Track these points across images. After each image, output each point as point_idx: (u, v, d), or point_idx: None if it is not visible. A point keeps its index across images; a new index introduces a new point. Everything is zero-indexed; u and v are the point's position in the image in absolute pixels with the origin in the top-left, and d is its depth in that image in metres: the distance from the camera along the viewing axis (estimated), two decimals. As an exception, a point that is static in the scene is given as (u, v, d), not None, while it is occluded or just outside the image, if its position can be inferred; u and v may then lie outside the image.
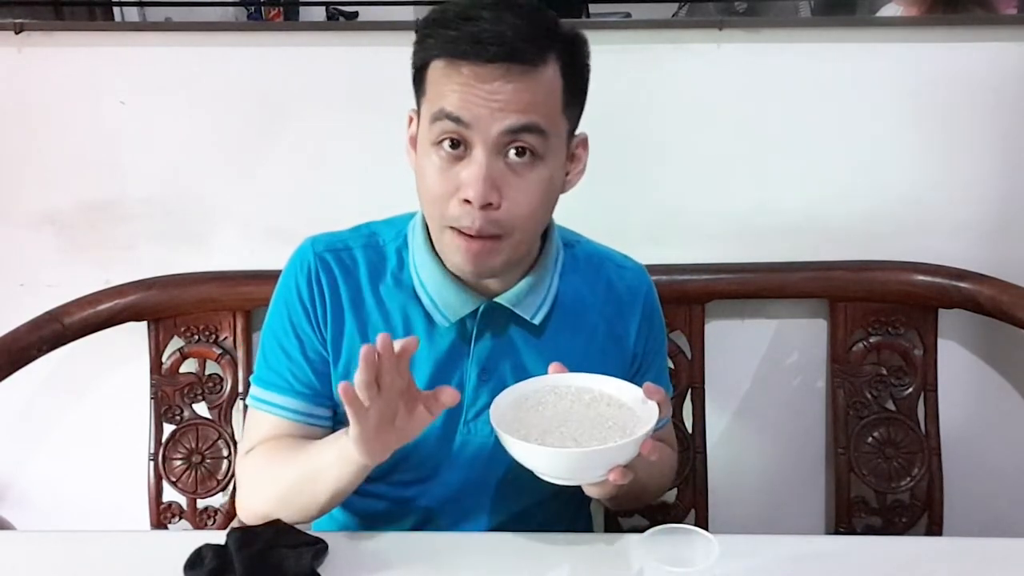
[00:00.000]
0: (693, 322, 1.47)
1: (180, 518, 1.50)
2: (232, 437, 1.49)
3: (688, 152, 1.48)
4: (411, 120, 1.02)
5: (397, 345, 0.85)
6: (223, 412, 1.49)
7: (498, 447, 0.90)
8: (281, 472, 1.02)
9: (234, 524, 1.05)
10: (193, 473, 1.49)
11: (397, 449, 0.93)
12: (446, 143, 0.95)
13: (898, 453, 1.49)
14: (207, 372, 1.50)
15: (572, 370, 0.97)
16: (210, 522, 1.51)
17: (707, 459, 1.48)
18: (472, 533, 1.08)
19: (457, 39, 0.92)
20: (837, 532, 1.51)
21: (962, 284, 1.43)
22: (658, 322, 1.16)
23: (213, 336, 1.48)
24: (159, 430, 1.49)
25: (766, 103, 1.46)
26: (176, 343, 1.49)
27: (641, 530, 0.89)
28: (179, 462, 1.49)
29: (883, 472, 1.49)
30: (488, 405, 0.93)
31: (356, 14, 1.53)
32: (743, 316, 1.55)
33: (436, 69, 0.95)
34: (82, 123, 1.47)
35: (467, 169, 0.94)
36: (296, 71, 1.46)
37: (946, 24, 1.45)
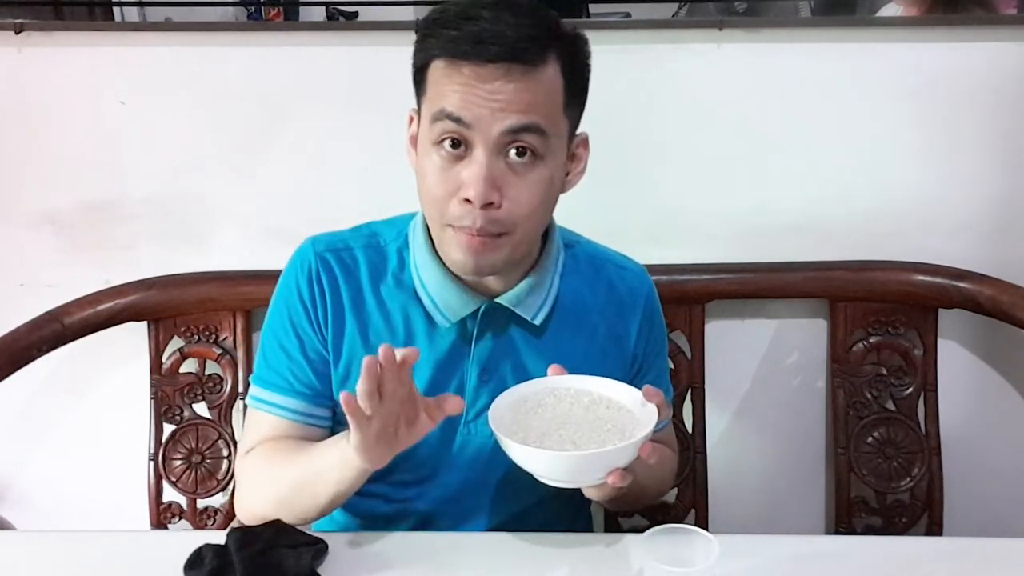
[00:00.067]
0: (693, 322, 1.47)
1: (180, 518, 1.50)
2: (232, 437, 1.49)
3: (688, 152, 1.48)
4: (411, 120, 1.02)
5: (398, 354, 0.85)
6: (223, 412, 1.49)
7: (498, 448, 0.90)
8: (281, 473, 1.02)
9: (234, 524, 1.05)
10: (193, 473, 1.49)
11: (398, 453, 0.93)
12: (447, 143, 0.94)
13: (898, 453, 1.49)
14: (207, 372, 1.50)
15: (572, 371, 0.97)
16: (210, 522, 1.51)
17: (707, 459, 1.48)
18: (472, 533, 1.08)
19: (458, 39, 0.92)
20: (837, 532, 1.51)
21: (962, 284, 1.43)
22: (659, 323, 1.16)
23: (213, 336, 1.48)
24: (159, 430, 1.49)
25: (766, 103, 1.46)
26: (176, 343, 1.49)
27: (641, 530, 0.89)
28: (179, 462, 1.49)
29: (883, 472, 1.49)
30: (489, 406, 0.93)
31: (356, 14, 1.53)
32: (743, 316, 1.55)
33: (437, 69, 0.95)
34: (82, 123, 1.47)
35: (468, 169, 0.94)
36: (296, 71, 1.46)
37: (946, 24, 1.45)
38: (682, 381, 1.47)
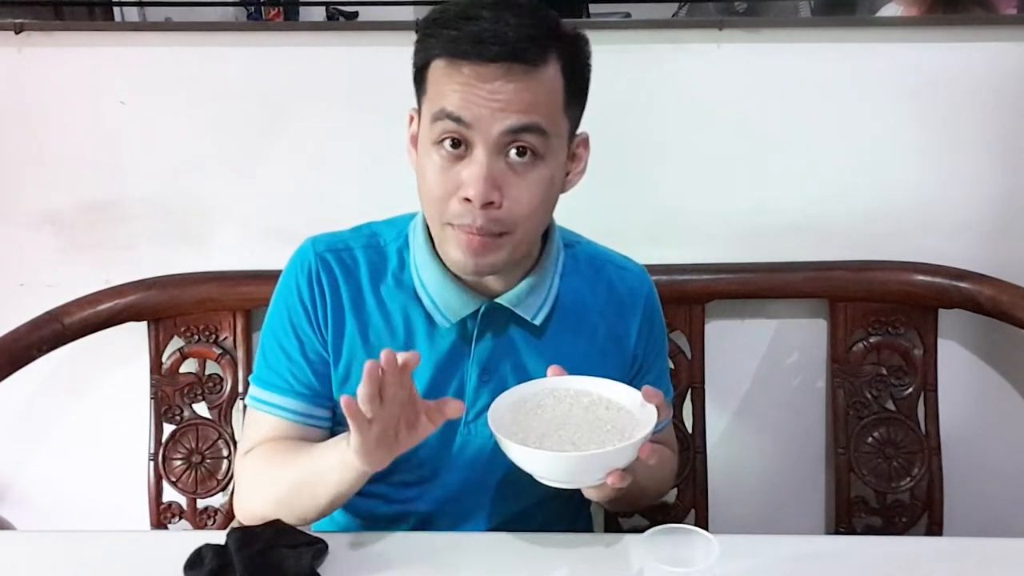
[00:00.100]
0: (693, 322, 1.47)
1: (180, 518, 1.50)
2: (232, 437, 1.49)
3: (688, 152, 1.48)
4: (412, 119, 1.02)
5: (400, 358, 0.85)
6: (223, 412, 1.49)
7: (498, 448, 0.90)
8: (281, 474, 1.02)
9: (234, 524, 1.05)
10: (193, 473, 1.49)
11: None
12: (447, 142, 0.94)
13: (898, 453, 1.49)
14: (207, 372, 1.50)
15: (572, 371, 0.97)
16: (210, 522, 1.51)
17: (707, 459, 1.48)
18: (472, 533, 1.08)
19: (458, 39, 0.92)
20: (837, 532, 1.51)
21: (962, 284, 1.43)
22: (659, 324, 1.16)
23: (213, 336, 1.48)
24: (159, 430, 1.49)
25: (766, 103, 1.46)
26: (176, 343, 1.49)
27: (641, 530, 0.89)
28: (179, 462, 1.49)
29: (883, 472, 1.49)
30: (489, 406, 0.93)
31: (356, 14, 1.53)
32: (743, 316, 1.55)
33: (437, 69, 0.95)
34: (82, 123, 1.47)
35: (468, 168, 0.94)
36: (296, 71, 1.46)
37: (946, 24, 1.45)
38: (682, 381, 1.47)
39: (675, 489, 1.48)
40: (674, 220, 1.51)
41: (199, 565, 0.93)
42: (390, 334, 1.06)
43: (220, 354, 1.48)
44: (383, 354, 0.84)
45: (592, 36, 1.00)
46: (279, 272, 1.10)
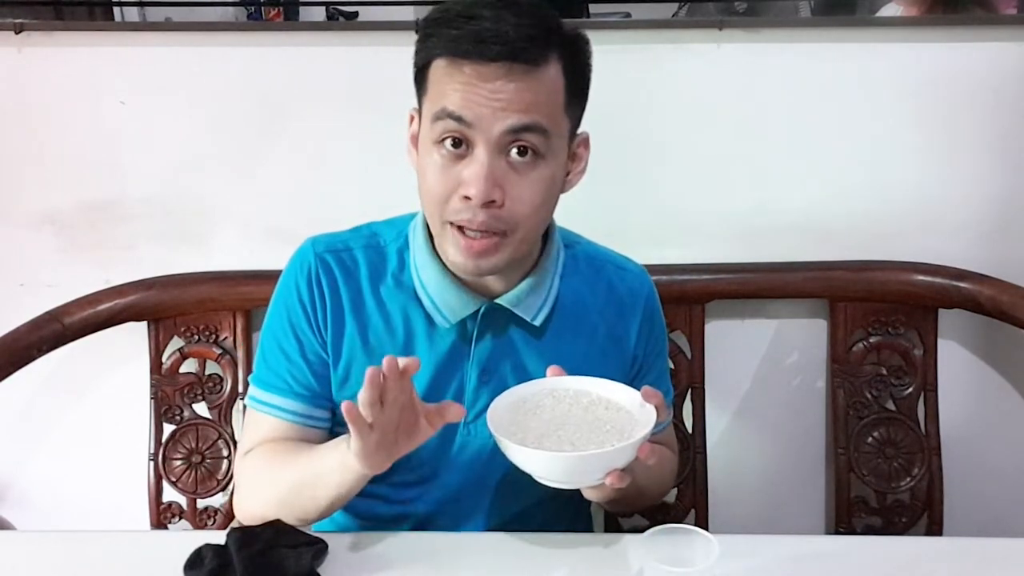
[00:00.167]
0: (693, 322, 1.47)
1: (180, 518, 1.50)
2: (232, 437, 1.49)
3: (688, 152, 1.48)
4: (412, 119, 1.02)
5: (400, 363, 0.85)
6: (223, 412, 1.49)
7: (498, 449, 0.90)
8: (281, 475, 1.02)
9: (234, 524, 1.05)
10: (193, 473, 1.49)
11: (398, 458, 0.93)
12: (448, 142, 0.94)
13: (898, 453, 1.49)
14: (207, 372, 1.50)
15: (572, 372, 0.97)
16: (210, 522, 1.51)
17: (707, 459, 1.48)
18: (472, 533, 1.08)
19: (459, 38, 0.92)
20: (837, 532, 1.51)
21: (962, 284, 1.43)
22: (659, 324, 1.16)
23: (213, 336, 1.48)
24: (159, 430, 1.48)
25: (766, 103, 1.46)
26: (176, 343, 1.49)
27: (641, 530, 0.89)
28: (179, 462, 1.49)
29: (883, 472, 1.49)
30: (488, 407, 0.93)
31: (356, 14, 1.53)
32: (743, 316, 1.55)
33: (438, 68, 0.95)
34: (82, 123, 1.47)
35: (469, 168, 0.94)
36: (296, 71, 1.46)
37: (946, 24, 1.45)
38: (682, 381, 1.47)
39: (675, 489, 1.48)
40: (674, 220, 1.51)
41: (199, 565, 0.93)
42: (390, 335, 1.06)
43: (220, 354, 1.48)
44: (385, 361, 0.84)
45: (592, 36, 1.00)
46: (279, 272, 1.10)
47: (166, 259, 1.50)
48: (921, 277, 1.46)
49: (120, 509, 1.58)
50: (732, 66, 1.45)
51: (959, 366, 1.55)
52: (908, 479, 1.49)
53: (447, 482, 1.08)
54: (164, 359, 1.49)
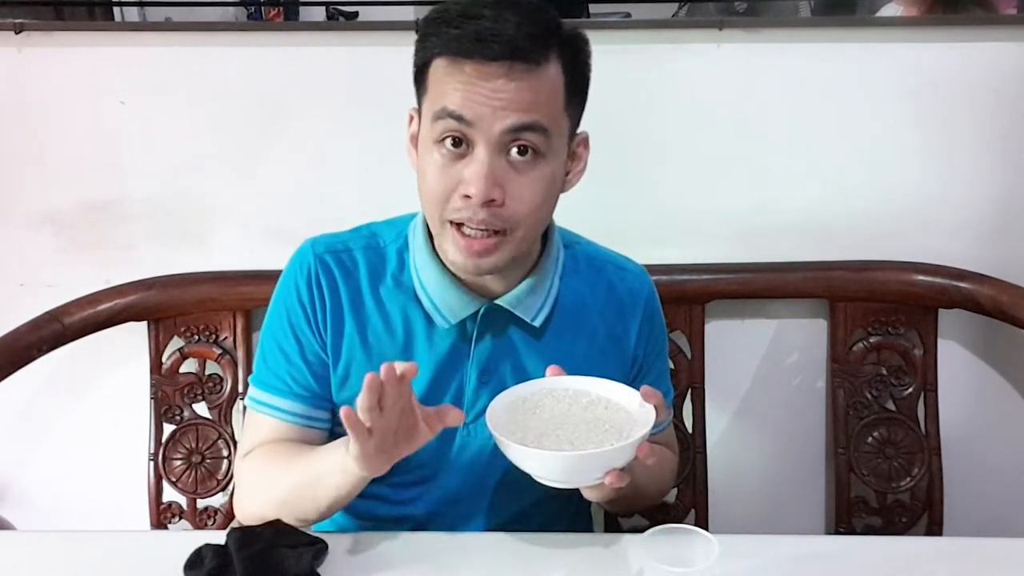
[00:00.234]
0: (693, 322, 1.47)
1: (180, 518, 1.50)
2: (232, 437, 1.49)
3: (688, 152, 1.48)
4: (412, 119, 1.02)
5: (399, 368, 0.85)
6: (223, 412, 1.49)
7: (497, 449, 0.90)
8: (281, 476, 1.02)
9: (234, 524, 1.05)
10: (193, 473, 1.49)
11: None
12: (448, 141, 0.94)
13: (898, 453, 1.49)
14: (207, 372, 1.50)
15: (572, 372, 0.97)
16: (210, 522, 1.51)
17: (707, 459, 1.48)
18: (472, 534, 1.08)
19: (460, 37, 0.92)
20: (837, 532, 1.51)
21: (962, 284, 1.43)
22: (659, 325, 1.16)
23: (213, 336, 1.48)
24: (159, 430, 1.48)
25: (766, 103, 1.46)
26: (176, 343, 1.49)
27: (641, 530, 0.89)
28: (179, 462, 1.49)
29: (883, 472, 1.49)
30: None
31: (356, 14, 1.53)
32: (743, 316, 1.55)
33: (438, 67, 0.95)
34: (82, 123, 1.47)
35: (469, 167, 0.94)
36: (296, 71, 1.46)
37: (946, 24, 1.45)
38: (682, 381, 1.47)
39: (675, 489, 1.48)
40: (674, 220, 1.51)
41: (199, 565, 0.93)
42: (389, 335, 1.06)
43: (220, 354, 1.48)
44: (383, 368, 0.84)
45: (592, 36, 1.00)
46: (279, 272, 1.10)
47: (166, 259, 1.50)
48: (921, 277, 1.46)
49: (120, 509, 1.58)
50: (732, 66, 1.45)
51: (959, 366, 1.55)
52: (908, 479, 1.49)
53: (447, 483, 1.08)
54: (164, 359, 1.49)
